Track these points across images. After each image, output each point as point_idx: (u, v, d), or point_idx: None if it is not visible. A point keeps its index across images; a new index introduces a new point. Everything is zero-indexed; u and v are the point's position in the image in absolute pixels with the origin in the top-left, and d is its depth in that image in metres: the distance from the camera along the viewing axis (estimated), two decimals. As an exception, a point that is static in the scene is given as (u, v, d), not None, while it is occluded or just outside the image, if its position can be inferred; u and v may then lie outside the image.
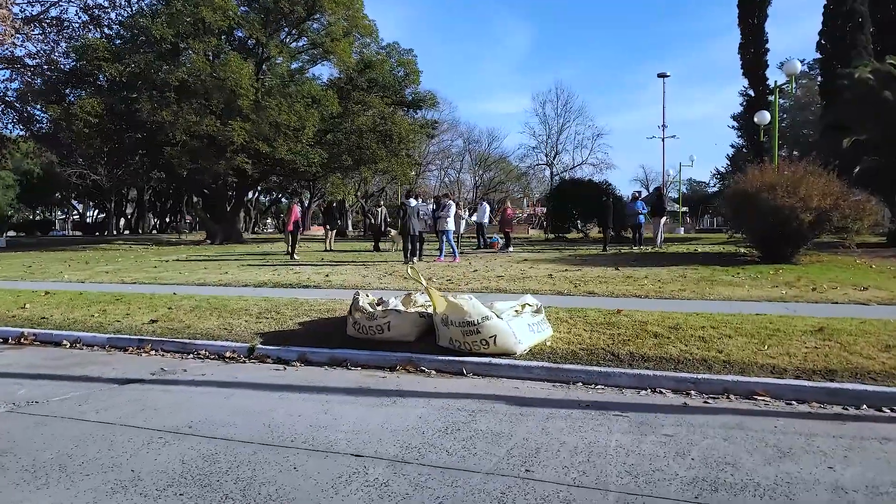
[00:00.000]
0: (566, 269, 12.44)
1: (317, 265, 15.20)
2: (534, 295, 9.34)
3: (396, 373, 5.85)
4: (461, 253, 18.31)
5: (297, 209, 19.22)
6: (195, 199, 38.76)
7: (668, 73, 63.26)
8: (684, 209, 66.68)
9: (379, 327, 6.35)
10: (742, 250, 15.74)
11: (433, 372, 5.84)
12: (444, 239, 15.76)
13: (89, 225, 68.46)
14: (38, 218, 71.37)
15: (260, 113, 23.75)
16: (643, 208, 19.73)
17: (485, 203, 22.19)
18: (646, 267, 12.68)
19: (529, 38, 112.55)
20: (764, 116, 19.53)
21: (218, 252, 22.31)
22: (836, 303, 7.91)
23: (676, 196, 57.56)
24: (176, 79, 22.63)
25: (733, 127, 60.02)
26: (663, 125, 61.36)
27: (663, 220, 19.46)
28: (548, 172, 60.09)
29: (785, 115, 59.26)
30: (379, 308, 6.50)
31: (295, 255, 17.63)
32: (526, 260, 15.13)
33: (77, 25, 28.72)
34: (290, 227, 18.50)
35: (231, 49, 25.25)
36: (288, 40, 28.14)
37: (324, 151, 25.81)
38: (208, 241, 31.79)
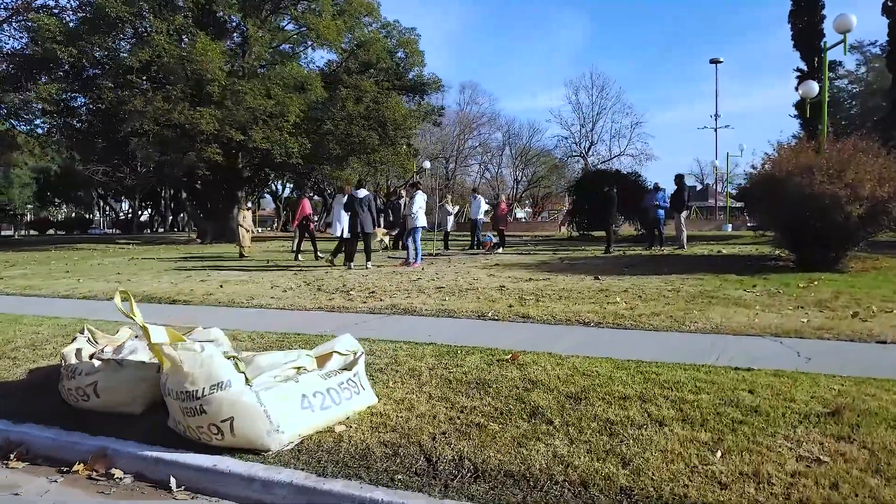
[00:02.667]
0: (531, 279, 9.84)
1: (249, 269, 12.98)
2: (449, 318, 6.85)
3: (69, 478, 3.44)
4: (430, 254, 15.85)
5: (306, 203, 17.07)
6: (182, 195, 37.21)
7: (720, 59, 59.11)
8: (739, 204, 62.21)
9: (82, 392, 3.95)
10: (779, 253, 12.78)
11: (128, 480, 3.41)
12: (411, 238, 13.26)
13: (127, 223, 68.47)
14: (88, 216, 72.42)
15: (235, 98, 21.72)
16: (664, 201, 16.79)
17: (478, 196, 19.57)
18: (638, 275, 9.98)
19: (582, 33, 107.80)
20: (811, 88, 16.18)
21: (182, 253, 20.39)
22: (885, 342, 5.13)
23: (731, 191, 53.38)
24: (138, 61, 20.79)
25: (795, 116, 55.43)
26: (716, 114, 57.28)
27: (684, 215, 16.43)
28: (582, 165, 56.71)
29: (854, 102, 54.23)
30: (93, 357, 4.10)
31: (299, 256, 15.84)
32: (498, 265, 12.56)
33: (57, 11, 27.14)
34: (295, 224, 17.04)
35: (207, 29, 23.27)
36: (272, 19, 26.02)
37: (307, 140, 23.55)
38: (198, 241, 30.19)
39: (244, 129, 21.79)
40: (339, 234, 13.33)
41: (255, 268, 13.63)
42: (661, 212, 16.81)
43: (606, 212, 15.83)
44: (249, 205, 18.53)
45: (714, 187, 76.31)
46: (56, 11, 27.32)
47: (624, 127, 58.58)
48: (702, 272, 10.10)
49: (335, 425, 3.55)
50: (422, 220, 12.90)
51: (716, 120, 56.76)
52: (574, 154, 57.56)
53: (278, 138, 22.05)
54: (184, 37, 22.62)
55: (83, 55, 20.77)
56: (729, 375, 4.04)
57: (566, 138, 57.76)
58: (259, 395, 3.38)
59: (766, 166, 10.89)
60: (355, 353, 4.00)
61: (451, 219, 18.93)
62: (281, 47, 26.42)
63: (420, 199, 12.75)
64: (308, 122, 24.26)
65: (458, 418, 3.56)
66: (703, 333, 5.65)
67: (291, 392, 3.50)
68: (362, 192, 12.36)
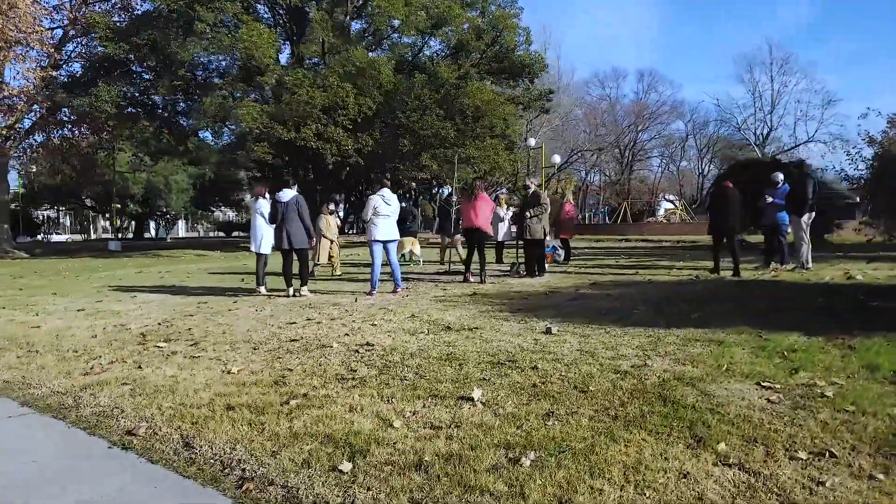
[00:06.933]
0: (451, 328, 6.39)
1: (197, 294, 10.62)
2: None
3: None
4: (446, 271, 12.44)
5: (484, 196, 11.53)
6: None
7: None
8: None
9: None
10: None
11: None
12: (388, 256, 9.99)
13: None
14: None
15: (289, 91, 20.03)
16: (782, 199, 11.87)
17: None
18: (634, 326, 6.14)
19: (801, 12, 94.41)
20: None
21: (232, 264, 18.95)
22: None
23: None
24: (189, 56, 19.92)
25: None
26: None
27: (805, 219, 11.33)
28: (757, 154, 48.81)
29: None
30: None
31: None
32: (475, 295, 9.04)
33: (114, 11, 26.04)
34: (469, 225, 11.12)
35: (267, 16, 21.95)
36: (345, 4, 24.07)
37: (375, 135, 21.17)
38: (286, 246, 29.39)
39: (298, 125, 19.97)
40: (257, 250, 10.41)
41: (217, 290, 11.34)
42: (784, 214, 11.93)
43: (725, 212, 11.02)
44: (332, 206, 14.61)
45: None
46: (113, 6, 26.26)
47: (813, 107, 49.46)
48: (751, 324, 5.90)
49: None
50: (382, 233, 9.48)
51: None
52: (747, 143, 49.68)
53: (332, 135, 19.90)
54: (235, 27, 21.48)
55: (135, 51, 20.36)
56: None
57: (736, 126, 50.03)
58: None
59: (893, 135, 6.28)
60: None
61: (503, 226, 15.13)
62: (350, 28, 24.35)
63: (376, 202, 9.40)
64: (379, 114, 21.95)
65: None
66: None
67: None
68: (288, 195, 9.39)
